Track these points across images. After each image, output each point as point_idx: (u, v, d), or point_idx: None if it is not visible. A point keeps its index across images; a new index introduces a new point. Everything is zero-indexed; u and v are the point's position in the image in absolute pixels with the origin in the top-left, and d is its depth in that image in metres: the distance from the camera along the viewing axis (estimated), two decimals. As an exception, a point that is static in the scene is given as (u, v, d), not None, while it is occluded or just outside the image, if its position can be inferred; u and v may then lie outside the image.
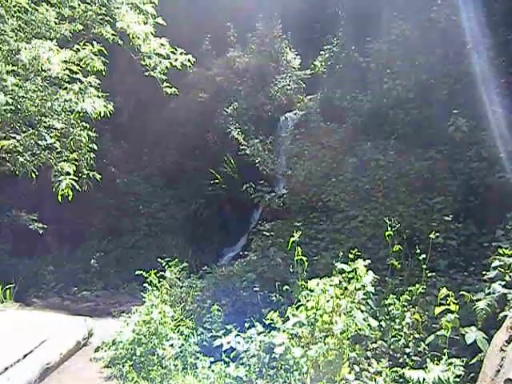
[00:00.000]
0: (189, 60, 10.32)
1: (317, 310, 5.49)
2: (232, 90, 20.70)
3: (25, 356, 7.23)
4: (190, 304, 9.31)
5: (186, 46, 10.55)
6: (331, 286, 5.75)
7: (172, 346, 7.72)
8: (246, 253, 12.71)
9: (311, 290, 5.60)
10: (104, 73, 9.99)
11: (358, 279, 5.83)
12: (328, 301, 5.56)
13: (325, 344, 5.30)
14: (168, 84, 10.53)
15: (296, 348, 5.41)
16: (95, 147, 10.90)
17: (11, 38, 9.77)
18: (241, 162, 18.02)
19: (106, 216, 19.44)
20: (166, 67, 10.44)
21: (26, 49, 9.08)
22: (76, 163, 9.79)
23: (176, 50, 10.34)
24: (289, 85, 20.56)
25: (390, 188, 12.09)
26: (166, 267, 10.27)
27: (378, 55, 15.08)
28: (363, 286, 5.83)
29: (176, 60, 10.37)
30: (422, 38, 13.68)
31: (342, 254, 10.64)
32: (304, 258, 6.20)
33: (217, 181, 18.27)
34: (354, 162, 13.45)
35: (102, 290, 15.68)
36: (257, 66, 21.22)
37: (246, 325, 7.21)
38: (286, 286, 7.80)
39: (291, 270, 8.52)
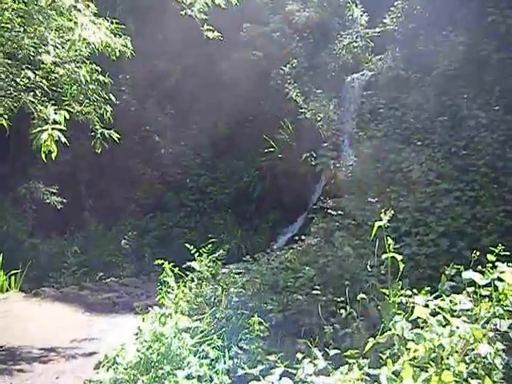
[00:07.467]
0: (235, -5, 9.16)
1: (432, 361, 2.84)
2: (290, 48, 18.84)
3: None
4: (224, 309, 6.77)
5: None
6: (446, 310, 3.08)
7: (189, 377, 5.21)
8: (303, 236, 10.49)
9: (420, 328, 2.93)
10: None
11: (500, 300, 3.15)
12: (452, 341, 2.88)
13: None
14: (209, 27, 9.12)
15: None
16: (113, 98, 9.32)
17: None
18: (300, 128, 16.34)
19: (148, 190, 18.53)
20: (206, 4, 9.02)
21: None
22: (71, 111, 7.56)
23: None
24: (356, 41, 18.65)
25: (495, 154, 9.82)
26: (197, 256, 7.76)
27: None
28: (509, 311, 3.14)
29: (219, -6, 9.11)
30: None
31: (431, 241, 8.35)
32: (398, 257, 3.44)
33: (272, 149, 16.68)
34: (444, 121, 11.23)
35: (133, 276, 14.49)
36: (319, 21, 19.40)
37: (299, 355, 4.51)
38: (362, 295, 5.01)
39: (369, 266, 5.92)
